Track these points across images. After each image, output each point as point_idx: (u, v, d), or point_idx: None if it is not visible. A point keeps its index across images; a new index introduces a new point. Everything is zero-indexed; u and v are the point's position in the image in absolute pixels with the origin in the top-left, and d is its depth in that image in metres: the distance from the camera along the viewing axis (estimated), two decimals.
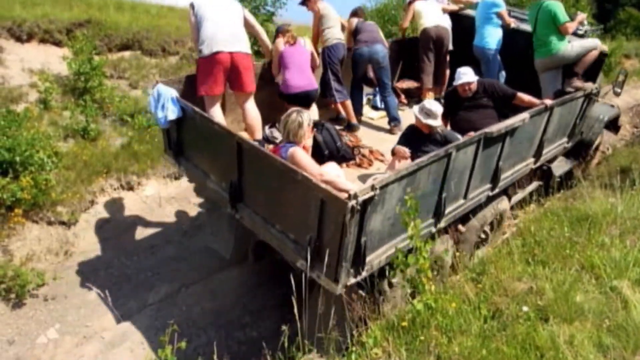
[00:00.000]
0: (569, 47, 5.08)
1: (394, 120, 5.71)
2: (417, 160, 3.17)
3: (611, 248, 3.00)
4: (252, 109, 4.57)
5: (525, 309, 2.75)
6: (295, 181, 2.99)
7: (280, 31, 5.10)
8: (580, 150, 6.04)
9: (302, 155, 3.38)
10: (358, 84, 5.84)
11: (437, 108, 4.15)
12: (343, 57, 5.46)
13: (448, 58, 6.36)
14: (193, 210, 6.50)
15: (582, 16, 5.41)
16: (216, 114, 4.35)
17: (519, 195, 4.93)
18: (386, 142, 5.02)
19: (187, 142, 4.24)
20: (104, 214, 6.04)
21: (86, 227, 5.83)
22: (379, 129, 5.84)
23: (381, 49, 5.57)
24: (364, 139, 5.31)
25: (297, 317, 2.78)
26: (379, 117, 6.10)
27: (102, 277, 5.17)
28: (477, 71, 5.09)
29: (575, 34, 5.34)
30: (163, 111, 4.02)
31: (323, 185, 2.81)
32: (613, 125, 6.66)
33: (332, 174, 3.49)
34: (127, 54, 8.91)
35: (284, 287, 3.36)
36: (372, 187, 2.78)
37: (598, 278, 2.85)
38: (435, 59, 6.13)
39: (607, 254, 2.92)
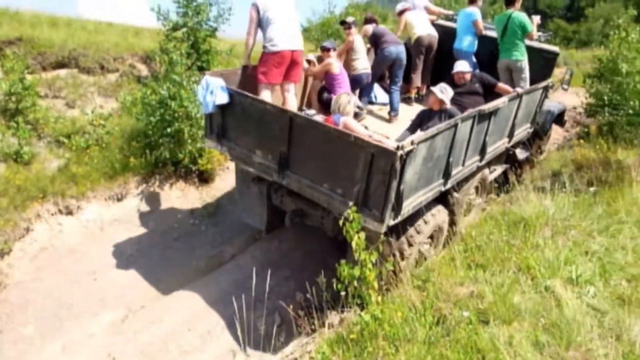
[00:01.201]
0: (526, 62, 6.28)
1: (394, 110, 6.48)
2: (437, 126, 4.05)
3: (545, 249, 3.15)
4: (292, 97, 5.48)
5: (465, 314, 2.84)
6: (347, 142, 3.74)
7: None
8: (535, 140, 7.03)
9: (352, 122, 4.43)
10: (377, 78, 6.84)
11: (450, 89, 5.15)
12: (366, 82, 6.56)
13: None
14: (138, 232, 6.29)
15: (537, 19, 6.41)
16: (268, 99, 5.02)
17: (496, 172, 6.03)
18: (387, 129, 5.82)
19: (231, 125, 4.87)
20: (41, 241, 5.75)
21: (21, 256, 5.52)
22: (380, 118, 6.55)
23: (403, 49, 6.54)
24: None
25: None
26: (378, 109, 6.82)
27: (40, 308, 4.90)
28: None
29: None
30: (212, 96, 4.65)
31: (375, 142, 3.64)
32: (560, 120, 7.64)
33: (376, 136, 4.37)
34: (62, 72, 8.54)
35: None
36: (412, 142, 3.55)
37: (534, 278, 2.99)
38: (424, 61, 7.11)
39: (542, 255, 3.06)
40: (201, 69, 8.68)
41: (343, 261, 3.16)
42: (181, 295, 5.12)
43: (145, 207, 6.67)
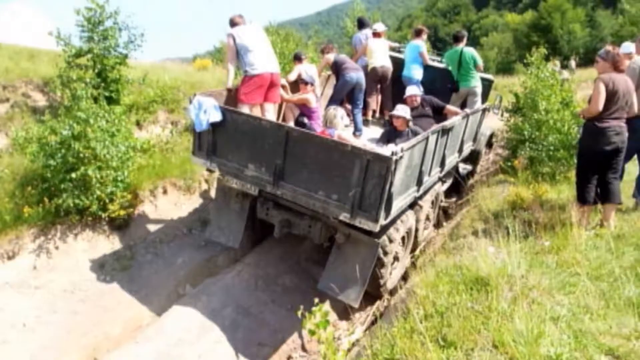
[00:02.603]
0: (479, 88, 7.60)
1: (359, 130, 7.27)
2: (416, 138, 4.75)
3: (513, 316, 2.91)
4: (271, 116, 6.07)
5: None
6: (344, 151, 4.25)
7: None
8: (473, 158, 8.24)
9: (346, 135, 5.20)
10: (338, 102, 7.23)
11: (406, 109, 6.07)
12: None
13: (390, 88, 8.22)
14: (36, 296, 5.31)
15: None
16: None
17: (447, 184, 7.09)
18: None
19: (222, 141, 5.18)
20: None
21: None
22: None
23: (362, 75, 7.19)
24: None
25: None
26: (342, 130, 7.51)
27: None
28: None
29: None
30: (206, 115, 4.98)
31: (370, 149, 4.30)
32: (489, 142, 8.81)
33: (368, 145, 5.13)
34: None
35: None
36: (402, 149, 4.14)
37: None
38: (380, 88, 8.08)
39: (512, 326, 2.80)
40: (109, 100, 7.82)
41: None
42: None
43: (43, 265, 5.68)
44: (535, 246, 4.26)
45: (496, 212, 5.38)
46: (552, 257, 3.94)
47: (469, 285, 3.51)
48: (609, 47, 4.63)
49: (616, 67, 4.48)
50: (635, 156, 5.44)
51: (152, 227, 6.69)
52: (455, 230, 5.83)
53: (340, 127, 5.22)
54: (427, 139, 4.90)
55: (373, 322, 5.26)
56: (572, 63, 30.35)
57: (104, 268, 5.92)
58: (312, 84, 6.50)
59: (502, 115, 8.46)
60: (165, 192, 7.25)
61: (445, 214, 7.73)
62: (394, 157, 4.01)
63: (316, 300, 3.22)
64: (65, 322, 5.22)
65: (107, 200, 6.05)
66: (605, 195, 4.62)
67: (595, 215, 4.98)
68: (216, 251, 6.55)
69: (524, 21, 57.34)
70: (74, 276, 5.73)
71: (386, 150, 4.83)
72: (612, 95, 4.35)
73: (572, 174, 5.94)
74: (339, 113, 5.25)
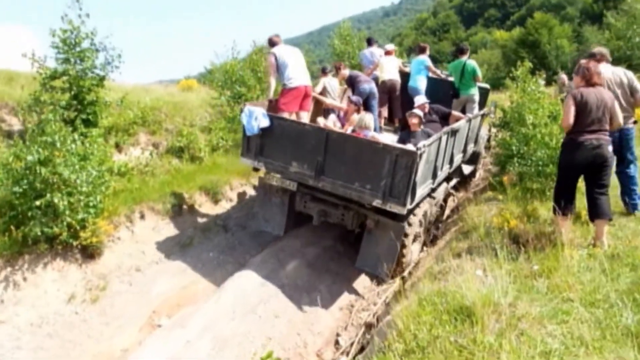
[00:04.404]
0: (477, 96, 8.54)
1: (375, 132, 7.50)
2: (432, 137, 5.73)
3: (500, 352, 2.63)
4: (305, 122, 6.71)
5: None
6: (376, 149, 5.30)
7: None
8: (474, 159, 9.08)
9: (378, 135, 6.23)
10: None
11: (420, 112, 6.91)
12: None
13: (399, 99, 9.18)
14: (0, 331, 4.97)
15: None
16: None
17: (453, 181, 8.11)
18: None
19: (269, 144, 6.14)
20: None
21: None
22: None
23: (374, 85, 8.32)
24: None
25: None
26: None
27: None
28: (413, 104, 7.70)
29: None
30: (257, 121, 5.90)
31: (399, 147, 5.30)
32: (487, 145, 9.73)
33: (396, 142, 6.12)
34: None
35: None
36: (424, 145, 5.13)
37: None
38: (389, 99, 9.03)
39: None
40: (87, 123, 7.58)
41: None
42: None
43: (9, 298, 5.34)
44: (524, 269, 4.00)
45: (484, 232, 5.13)
46: (542, 281, 3.69)
47: (453, 315, 3.24)
48: (582, 61, 4.62)
49: (587, 81, 4.45)
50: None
51: (127, 255, 6.39)
52: (442, 252, 5.58)
53: (372, 129, 6.21)
54: (440, 138, 5.84)
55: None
56: (563, 76, 30.47)
57: (74, 299, 5.59)
58: (358, 104, 7.40)
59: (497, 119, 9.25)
60: (143, 217, 6.97)
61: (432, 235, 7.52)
62: (419, 151, 5.01)
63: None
64: (30, 359, 4.90)
65: (78, 227, 5.76)
66: (594, 212, 4.45)
67: (587, 233, 4.75)
68: (195, 277, 6.25)
69: (512, 38, 58.02)
70: (41, 309, 5.39)
71: (410, 147, 5.50)
72: (582, 109, 4.33)
73: None
74: (371, 117, 6.37)
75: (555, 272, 3.79)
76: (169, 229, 7.09)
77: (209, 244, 7.03)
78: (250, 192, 8.93)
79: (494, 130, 9.03)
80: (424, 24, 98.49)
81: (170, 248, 6.74)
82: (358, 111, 7.31)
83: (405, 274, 6.52)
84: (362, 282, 6.68)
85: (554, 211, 4.70)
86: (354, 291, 6.44)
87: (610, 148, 4.40)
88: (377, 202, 5.43)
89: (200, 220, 7.56)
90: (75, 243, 5.80)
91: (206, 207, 7.90)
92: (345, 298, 6.29)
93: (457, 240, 5.48)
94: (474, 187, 9.69)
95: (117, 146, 8.59)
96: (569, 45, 50.28)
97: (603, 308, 3.24)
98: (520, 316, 3.08)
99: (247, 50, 13.85)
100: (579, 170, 4.50)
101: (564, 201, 4.52)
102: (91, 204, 5.84)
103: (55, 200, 5.30)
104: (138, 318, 5.48)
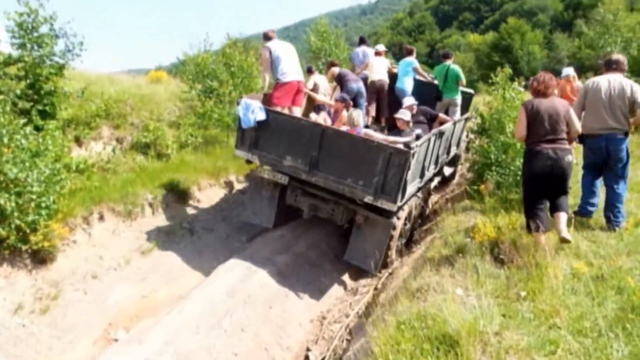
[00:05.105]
0: (460, 99, 8.78)
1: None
2: (424, 137, 5.99)
3: None
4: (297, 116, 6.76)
5: None
6: (370, 146, 5.45)
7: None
8: (454, 161, 9.56)
9: (371, 132, 6.22)
10: None
11: (408, 113, 7.09)
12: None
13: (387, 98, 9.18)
14: None
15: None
16: None
17: (436, 179, 8.25)
18: None
19: (264, 137, 6.17)
20: None
21: None
22: None
23: (362, 84, 8.46)
24: None
25: None
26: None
27: None
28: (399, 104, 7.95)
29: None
30: (253, 114, 5.95)
31: (393, 145, 5.43)
32: (467, 148, 9.87)
33: (389, 139, 5.98)
34: None
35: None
36: (417, 144, 5.46)
37: None
38: (377, 99, 9.06)
39: None
40: (43, 115, 7.05)
41: None
42: None
43: None
44: (506, 287, 3.79)
45: (463, 245, 4.92)
46: (527, 305, 3.47)
47: (434, 344, 2.98)
48: (538, 75, 4.70)
49: (538, 92, 4.52)
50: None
51: (83, 260, 5.93)
52: (418, 263, 5.36)
53: (361, 125, 6.35)
54: (429, 139, 6.07)
55: None
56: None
57: (21, 310, 5.11)
58: (347, 101, 7.48)
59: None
60: (102, 218, 6.51)
61: (408, 243, 7.33)
62: (412, 151, 5.21)
63: None
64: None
65: (28, 230, 5.29)
66: (554, 207, 4.52)
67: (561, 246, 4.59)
68: (157, 285, 5.84)
69: (486, 42, 58.91)
70: None
71: (403, 144, 5.60)
72: (534, 119, 4.39)
73: None
74: (360, 114, 6.49)
75: (540, 294, 3.59)
76: (130, 232, 6.64)
77: (173, 249, 6.62)
78: (220, 192, 8.54)
79: (471, 136, 8.89)
80: (400, 24, 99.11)
81: (130, 253, 6.30)
82: (347, 108, 7.36)
83: (379, 285, 6.32)
84: (335, 292, 6.42)
85: (527, 227, 4.56)
86: (326, 301, 6.17)
87: (570, 158, 4.38)
88: (368, 199, 5.57)
89: (165, 222, 7.12)
90: (24, 247, 5.33)
91: (172, 209, 7.46)
92: (317, 308, 6.01)
93: (434, 252, 5.25)
94: (449, 193, 9.56)
95: (77, 140, 8.07)
96: (540, 52, 51.40)
97: (592, 337, 3.04)
98: (507, 347, 2.85)
99: (222, 43, 13.38)
100: (540, 180, 4.44)
101: (534, 216, 4.45)
102: (43, 204, 5.37)
103: (2, 202, 4.81)
104: (92, 331, 5.05)
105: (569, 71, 8.43)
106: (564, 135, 4.41)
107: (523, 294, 3.53)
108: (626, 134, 4.97)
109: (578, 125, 4.49)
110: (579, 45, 37.95)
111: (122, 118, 9.00)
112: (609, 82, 5.00)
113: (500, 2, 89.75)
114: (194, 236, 7.12)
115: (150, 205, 7.19)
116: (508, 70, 8.13)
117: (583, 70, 17.57)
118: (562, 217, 4.45)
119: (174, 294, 5.75)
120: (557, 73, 7.93)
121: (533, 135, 4.43)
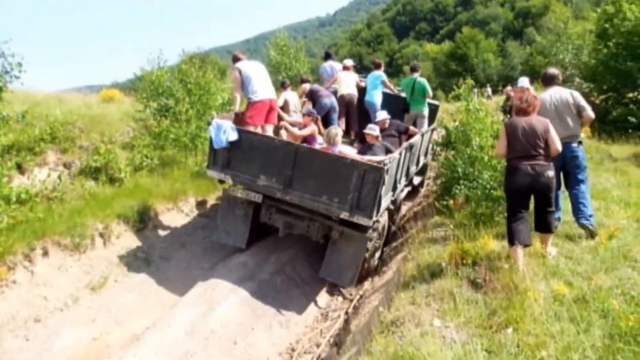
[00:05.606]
0: (427, 111, 9.07)
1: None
2: (398, 150, 6.41)
3: None
4: (270, 134, 6.84)
5: None
6: (344, 164, 5.59)
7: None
8: (422, 171, 9.92)
9: (346, 150, 6.69)
10: None
11: (376, 128, 7.19)
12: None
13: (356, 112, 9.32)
14: None
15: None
16: None
17: (406, 190, 8.24)
18: None
19: (236, 157, 6.18)
20: None
21: None
22: None
23: (334, 99, 8.71)
24: None
25: None
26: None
27: None
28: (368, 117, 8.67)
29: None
30: (225, 135, 5.98)
31: (367, 162, 5.62)
32: (432, 157, 9.93)
33: (364, 158, 6.18)
34: None
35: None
36: (390, 160, 5.65)
37: None
38: (347, 112, 9.13)
39: None
40: None
41: None
42: None
43: None
44: (488, 319, 3.55)
45: (437, 268, 4.68)
46: (510, 336, 3.23)
47: None
48: (509, 91, 5.03)
49: (522, 112, 4.57)
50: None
51: (24, 302, 5.34)
52: (392, 290, 5.07)
53: (339, 143, 6.41)
54: (400, 154, 6.26)
55: None
56: (489, 90, 31.98)
57: None
58: (314, 115, 7.36)
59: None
60: (45, 253, 5.92)
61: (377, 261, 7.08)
62: (385, 167, 5.35)
63: None
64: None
65: None
66: (539, 226, 4.59)
67: (542, 265, 4.43)
68: (108, 327, 5.32)
69: (442, 51, 60.37)
70: None
71: (377, 161, 5.73)
72: (512, 137, 4.48)
73: None
74: (339, 132, 6.50)
75: (522, 322, 3.37)
76: (78, 268, 6.07)
77: (127, 283, 6.10)
78: (178, 217, 8.05)
79: (437, 148, 8.78)
80: (359, 35, 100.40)
81: (78, 290, 5.75)
82: (315, 122, 7.36)
83: (350, 309, 6.02)
84: (304, 320, 6.07)
85: (509, 241, 4.41)
86: (294, 331, 5.81)
87: (550, 173, 4.37)
88: (344, 215, 5.63)
89: (117, 254, 6.58)
90: None
91: (125, 238, 6.92)
92: (285, 340, 5.64)
93: (407, 276, 4.97)
94: (416, 206, 9.40)
95: (20, 167, 7.41)
96: (495, 59, 52.96)
97: None
98: None
99: (177, 59, 12.86)
100: (520, 195, 4.48)
101: (513, 229, 4.40)
102: None
103: None
104: None
105: (524, 82, 8.43)
106: (541, 152, 4.40)
107: (509, 331, 3.27)
108: (580, 142, 5.30)
109: (558, 144, 4.47)
110: (530, 52, 39.21)
111: (70, 141, 8.39)
112: (550, 96, 5.36)
113: (454, 12, 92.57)
114: (151, 267, 6.62)
115: (101, 235, 6.64)
116: (470, 81, 8.06)
117: (535, 77, 18.01)
118: (546, 237, 4.64)
119: (129, 334, 5.26)
120: (511, 80, 8.03)
121: (512, 152, 4.51)
